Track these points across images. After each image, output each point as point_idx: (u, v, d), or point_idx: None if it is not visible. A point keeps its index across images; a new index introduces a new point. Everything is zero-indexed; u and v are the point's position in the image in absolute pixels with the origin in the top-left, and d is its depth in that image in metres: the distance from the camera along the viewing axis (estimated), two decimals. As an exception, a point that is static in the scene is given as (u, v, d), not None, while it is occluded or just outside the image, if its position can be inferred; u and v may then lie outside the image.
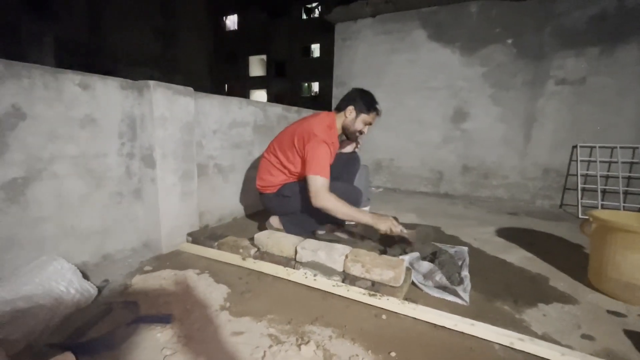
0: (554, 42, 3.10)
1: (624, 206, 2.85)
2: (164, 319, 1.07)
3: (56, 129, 1.31)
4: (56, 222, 1.34)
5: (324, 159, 1.61)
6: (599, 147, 2.97)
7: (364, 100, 1.76)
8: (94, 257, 1.49)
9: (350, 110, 1.76)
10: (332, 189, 1.64)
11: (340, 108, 1.80)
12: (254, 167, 2.42)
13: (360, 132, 1.80)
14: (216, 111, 2.07)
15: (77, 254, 1.42)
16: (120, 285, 1.32)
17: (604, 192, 2.97)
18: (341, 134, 1.84)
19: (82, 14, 13.23)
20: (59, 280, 1.07)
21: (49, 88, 1.28)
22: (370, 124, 1.80)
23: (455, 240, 2.04)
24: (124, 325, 1.02)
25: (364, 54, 4.09)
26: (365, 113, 1.76)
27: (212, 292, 1.28)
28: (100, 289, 1.24)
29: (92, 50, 13.42)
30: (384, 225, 1.58)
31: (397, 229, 1.58)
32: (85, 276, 1.27)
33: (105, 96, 1.47)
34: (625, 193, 2.90)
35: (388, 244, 1.74)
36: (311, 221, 1.83)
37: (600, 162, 2.96)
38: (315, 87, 21.70)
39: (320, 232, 1.93)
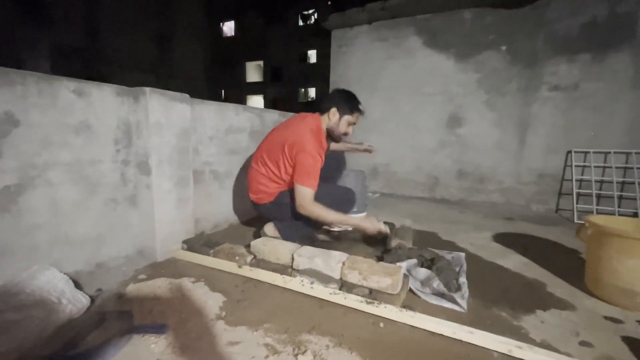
0: (547, 49, 3.14)
1: (618, 211, 2.88)
2: (158, 329, 1.05)
3: (50, 136, 1.30)
4: (49, 230, 1.33)
5: (313, 169, 1.61)
6: (593, 152, 3.00)
7: (347, 102, 1.75)
8: (87, 266, 1.47)
9: (334, 113, 1.74)
10: (325, 191, 1.66)
11: (323, 110, 1.77)
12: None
13: (345, 134, 1.79)
14: (212, 117, 2.06)
15: (71, 262, 1.40)
16: (114, 294, 1.30)
17: (598, 196, 2.99)
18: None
19: (78, 19, 13.21)
20: (51, 291, 1.05)
21: (43, 95, 1.27)
22: (354, 124, 1.79)
23: (451, 246, 2.04)
24: (118, 335, 1.00)
25: (360, 60, 4.12)
26: (348, 114, 1.74)
27: (208, 301, 1.27)
28: (93, 299, 1.22)
29: (89, 56, 13.37)
30: (372, 228, 1.58)
31: (386, 230, 1.60)
32: (78, 285, 1.25)
33: (101, 103, 1.46)
34: (620, 198, 2.93)
35: (372, 242, 1.79)
36: (308, 226, 1.82)
37: (595, 167, 2.99)
38: (312, 92, 21.80)
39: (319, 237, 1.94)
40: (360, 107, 1.76)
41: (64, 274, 1.19)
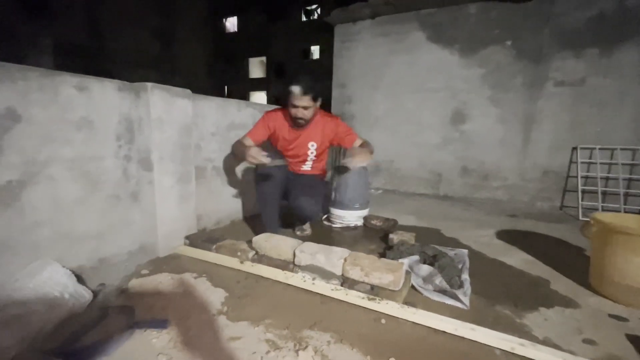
0: (553, 44, 3.09)
1: (624, 208, 2.84)
2: (160, 324, 1.06)
3: (52, 132, 1.30)
4: (52, 226, 1.33)
5: (254, 126, 1.91)
6: (599, 148, 2.96)
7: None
8: (90, 261, 1.48)
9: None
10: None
11: None
12: (252, 169, 2.41)
13: (295, 117, 1.79)
14: (214, 113, 2.06)
15: (73, 257, 1.41)
16: (116, 289, 1.30)
17: (604, 194, 2.95)
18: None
19: (80, 16, 13.22)
20: (53, 285, 1.06)
21: (44, 90, 1.26)
22: (296, 105, 1.74)
23: (454, 243, 2.03)
24: (120, 330, 1.01)
25: (363, 56, 4.08)
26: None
27: (210, 297, 1.27)
28: (95, 294, 1.23)
29: (91, 52, 13.40)
30: (253, 161, 1.62)
31: (265, 160, 1.61)
32: (80, 280, 1.25)
33: (102, 98, 1.46)
34: (626, 195, 2.89)
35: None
36: (265, 217, 1.95)
37: (601, 163, 2.95)
38: (315, 88, 21.66)
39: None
40: (291, 86, 1.71)
41: (67, 269, 1.19)
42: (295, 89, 1.70)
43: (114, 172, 1.54)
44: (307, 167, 2.01)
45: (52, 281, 1.08)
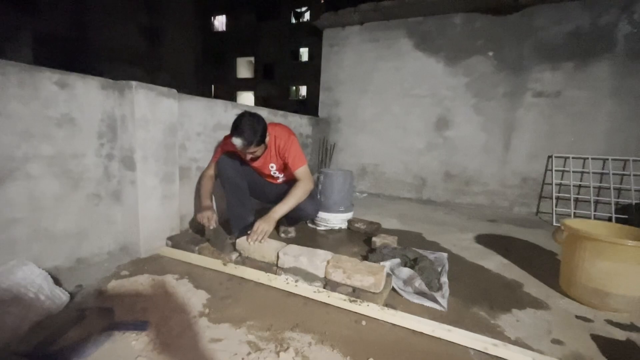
0: (532, 56, 3.23)
1: (594, 215, 2.98)
2: (139, 326, 1.04)
3: (31, 128, 1.27)
4: (29, 224, 1.30)
5: (216, 151, 1.94)
6: (572, 157, 3.10)
7: None
8: (67, 261, 1.44)
9: None
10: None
11: None
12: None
13: (246, 158, 1.75)
14: (200, 113, 2.04)
15: (50, 257, 1.37)
16: (95, 290, 1.28)
17: (576, 201, 3.10)
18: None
19: (63, 7, 12.79)
20: (28, 286, 1.03)
21: (24, 86, 1.23)
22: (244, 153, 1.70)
23: (435, 246, 2.08)
24: (97, 332, 0.99)
25: (351, 61, 4.14)
26: None
27: (191, 298, 1.26)
28: (72, 295, 1.20)
29: (74, 46, 12.98)
30: (205, 220, 1.72)
31: (207, 223, 1.71)
32: (57, 281, 1.23)
33: (85, 95, 1.43)
34: (596, 202, 3.04)
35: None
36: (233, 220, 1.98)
37: (573, 172, 3.10)
38: (303, 90, 21.70)
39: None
40: (232, 139, 1.61)
41: (43, 269, 1.16)
42: (237, 143, 1.59)
43: (95, 170, 1.51)
44: (280, 180, 1.99)
45: (27, 282, 1.05)
